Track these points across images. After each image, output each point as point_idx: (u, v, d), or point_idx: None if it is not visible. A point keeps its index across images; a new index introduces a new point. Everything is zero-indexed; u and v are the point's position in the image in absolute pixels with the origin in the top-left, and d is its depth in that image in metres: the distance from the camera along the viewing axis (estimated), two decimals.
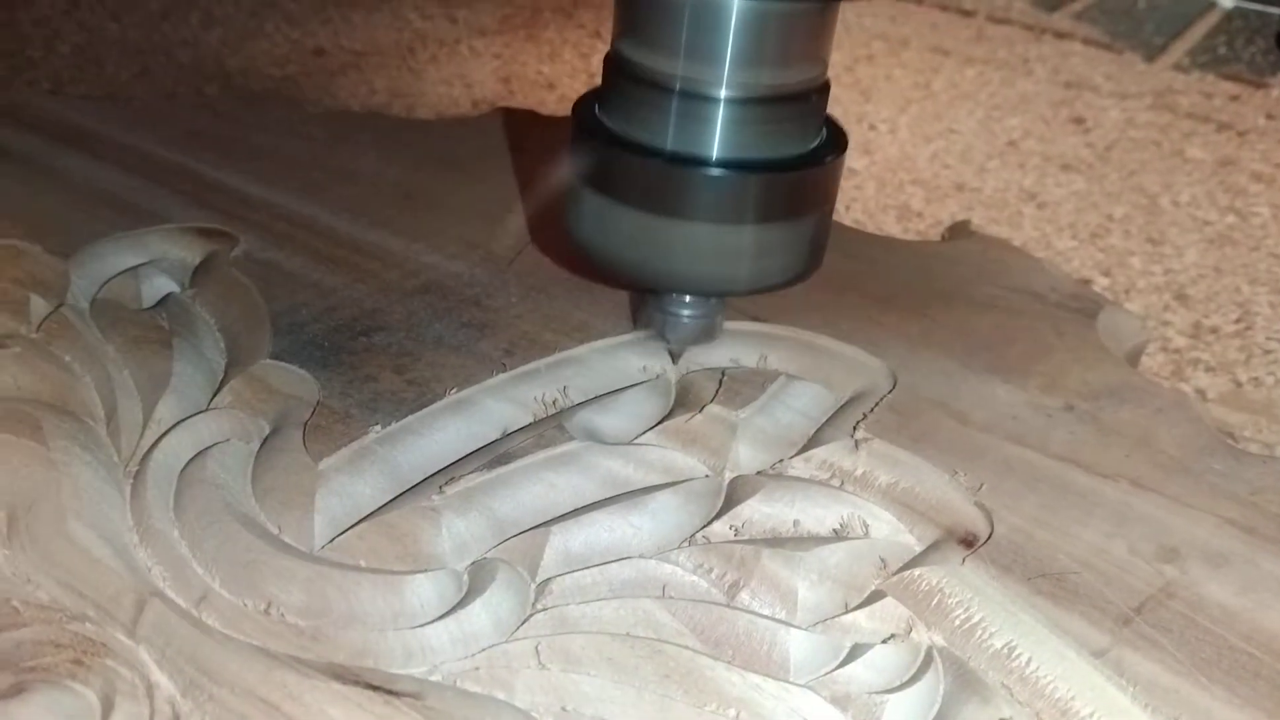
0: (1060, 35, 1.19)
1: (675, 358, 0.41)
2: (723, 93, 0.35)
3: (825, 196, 0.38)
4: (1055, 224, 0.74)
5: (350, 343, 0.41)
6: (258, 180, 0.53)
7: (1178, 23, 1.25)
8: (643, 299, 0.42)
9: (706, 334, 0.41)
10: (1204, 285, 0.67)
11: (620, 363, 0.42)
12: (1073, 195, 0.79)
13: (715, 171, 0.36)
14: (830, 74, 0.38)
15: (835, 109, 0.39)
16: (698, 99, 0.35)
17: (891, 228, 0.71)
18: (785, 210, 0.37)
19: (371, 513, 0.34)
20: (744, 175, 0.36)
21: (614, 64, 0.37)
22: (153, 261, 0.46)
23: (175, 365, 0.39)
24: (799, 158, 0.37)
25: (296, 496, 0.34)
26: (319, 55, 0.93)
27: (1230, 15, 1.28)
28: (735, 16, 0.34)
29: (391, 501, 0.34)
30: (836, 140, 0.39)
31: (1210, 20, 1.27)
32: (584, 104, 0.39)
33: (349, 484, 0.34)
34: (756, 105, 0.35)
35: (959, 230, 0.56)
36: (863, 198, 0.75)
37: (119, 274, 0.45)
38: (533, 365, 0.41)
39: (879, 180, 0.78)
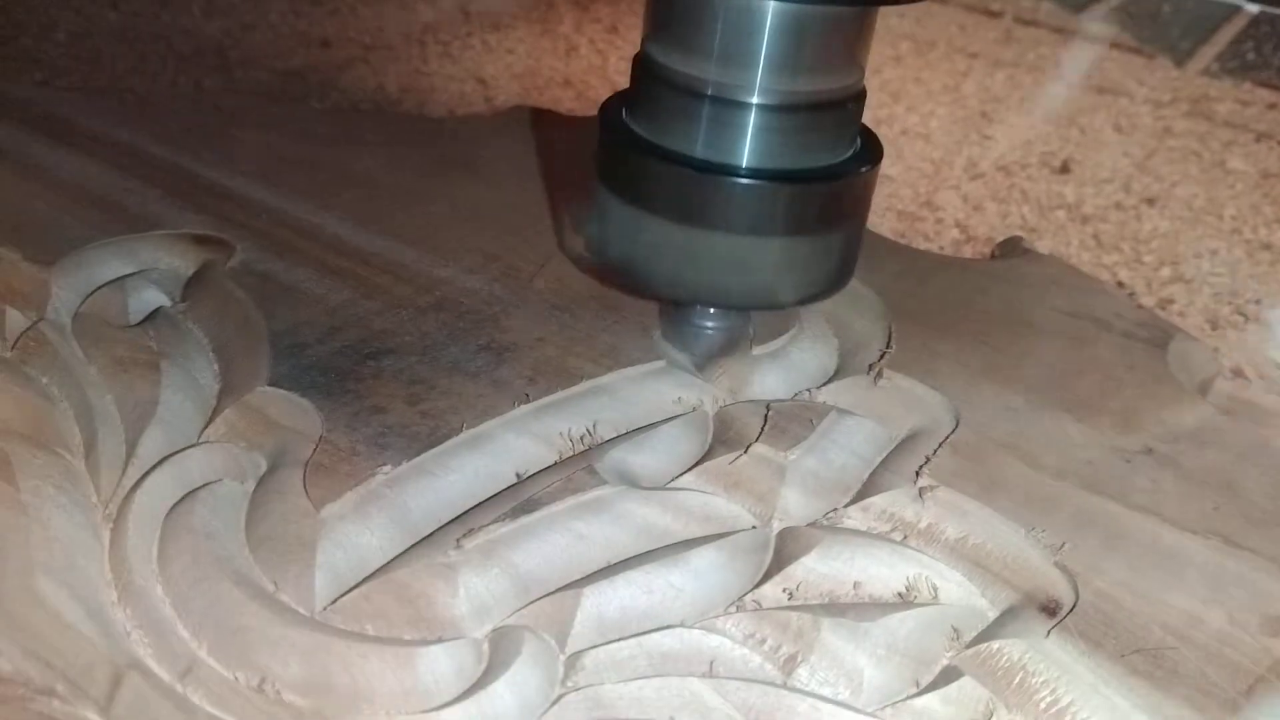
0: (1089, 39, 1.15)
1: (700, 371, 0.39)
2: (755, 99, 0.34)
3: (858, 209, 0.37)
4: (1099, 239, 0.70)
5: (357, 368, 0.37)
6: (258, 182, 0.49)
7: (1204, 26, 1.21)
8: (667, 309, 0.40)
9: (731, 348, 0.39)
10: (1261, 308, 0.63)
11: (652, 393, 0.38)
12: (1114, 208, 0.75)
13: (745, 181, 0.34)
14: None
15: (863, 110, 0.37)
16: (730, 105, 0.34)
17: (931, 239, 0.67)
18: (816, 223, 0.36)
19: (380, 568, 0.30)
20: (775, 185, 0.34)
21: (643, 67, 0.36)
22: (142, 271, 0.42)
23: (163, 392, 0.35)
24: (832, 168, 0.36)
25: (295, 548, 0.30)
26: (325, 47, 0.89)
27: (1257, 20, 1.24)
28: (770, 20, 0.33)
29: (402, 555, 0.30)
30: (871, 150, 0.37)
31: (1237, 24, 1.23)
32: (610, 107, 0.37)
33: (355, 534, 0.30)
34: (790, 113, 0.34)
35: (1012, 247, 0.52)
36: (898, 206, 0.71)
37: (105, 285, 0.41)
38: (558, 396, 0.37)
39: (914, 188, 0.74)
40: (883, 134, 0.82)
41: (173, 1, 0.95)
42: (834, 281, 0.38)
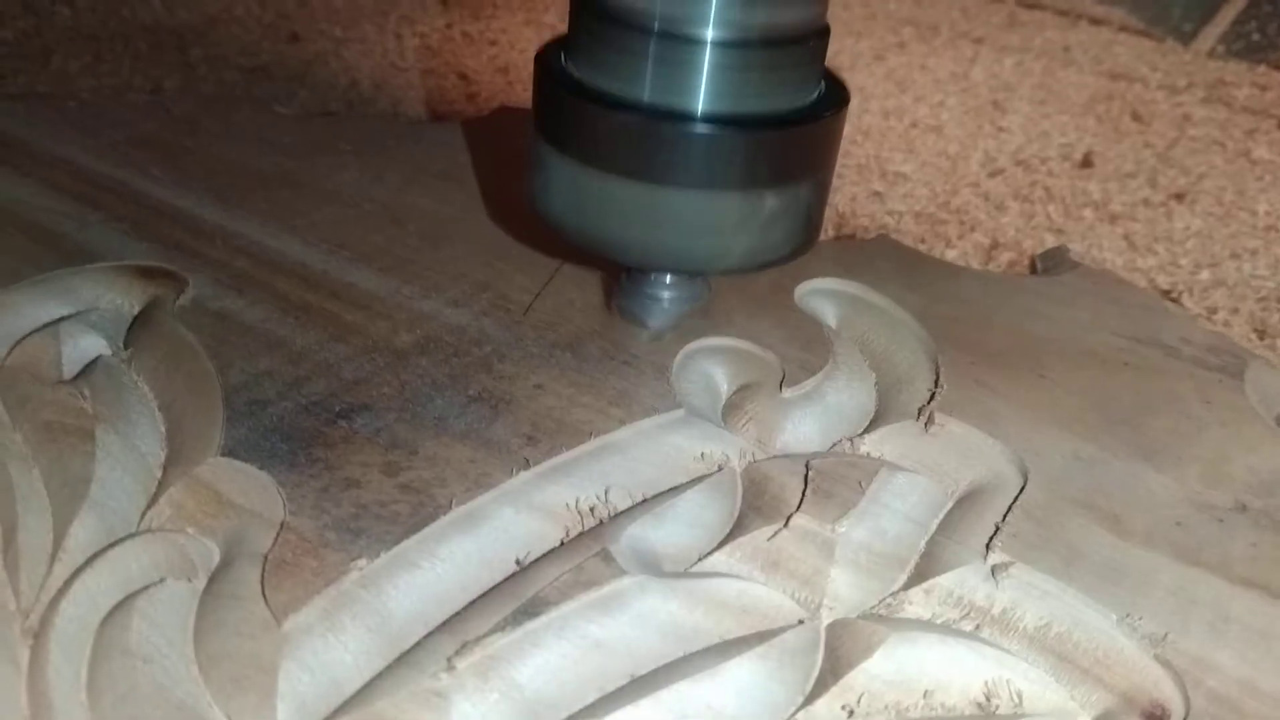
0: (1095, 21, 1.10)
1: (656, 338, 0.36)
2: (709, 34, 0.29)
3: (825, 159, 0.33)
4: (1131, 240, 0.65)
5: (326, 429, 0.32)
6: (215, 201, 0.43)
7: (1204, 6, 1.17)
8: (621, 277, 0.37)
9: (690, 317, 0.36)
10: None
11: (672, 449, 0.33)
12: (1142, 204, 0.70)
13: (700, 128, 0.30)
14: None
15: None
16: (680, 40, 0.30)
17: (955, 244, 0.62)
18: (781, 174, 0.31)
19: (355, 695, 0.24)
20: (733, 132, 0.30)
21: (581, 2, 0.31)
22: (79, 313, 0.36)
23: (98, 466, 0.30)
24: (797, 112, 0.31)
25: (253, 672, 0.25)
26: (294, 41, 0.83)
27: (1256, 0, 1.20)
28: None
29: (382, 675, 0.25)
30: (837, 93, 0.33)
31: (1236, 4, 1.19)
32: (549, 51, 0.33)
33: (324, 650, 0.25)
34: (749, 49, 0.30)
35: (1056, 259, 0.47)
36: (915, 207, 0.66)
37: (36, 330, 0.35)
38: (563, 458, 0.32)
39: (930, 186, 0.69)
40: (893, 127, 0.77)
41: None
42: (800, 243, 0.34)
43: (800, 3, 0.31)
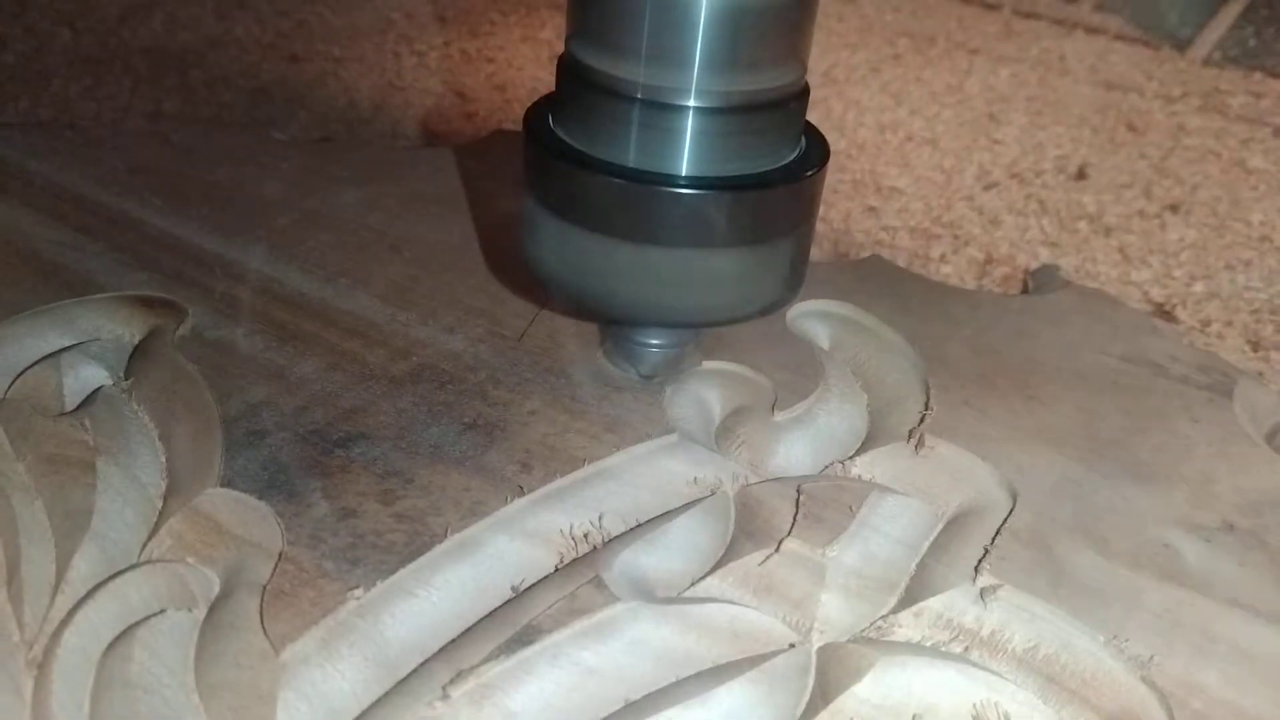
0: (1091, 30, 1.11)
1: (648, 378, 0.37)
2: (691, 101, 0.30)
3: (807, 214, 0.34)
4: (1125, 252, 0.65)
5: (324, 459, 0.32)
6: (214, 230, 0.44)
7: (1201, 11, 1.17)
8: (610, 326, 0.38)
9: (678, 363, 0.37)
10: None
11: (665, 474, 0.33)
12: (1137, 216, 0.71)
13: (685, 190, 0.31)
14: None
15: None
16: (663, 108, 0.30)
17: (949, 260, 0.62)
18: (762, 232, 0.32)
19: None
20: (716, 194, 0.31)
21: (568, 68, 0.32)
22: (80, 344, 0.37)
23: (99, 497, 0.30)
24: (777, 172, 0.32)
25: (252, 701, 0.25)
26: (293, 61, 0.83)
27: (1254, 3, 1.20)
28: (705, 12, 0.29)
29: (379, 703, 0.25)
30: (817, 151, 0.34)
31: (1234, 10, 1.20)
32: (536, 113, 0.34)
33: (322, 680, 0.26)
34: (729, 115, 0.31)
35: (1047, 277, 0.47)
36: (910, 222, 0.66)
37: (37, 361, 0.36)
38: (557, 484, 0.32)
39: (925, 201, 0.69)
40: (888, 141, 0.78)
41: (131, 16, 0.90)
42: (783, 294, 0.34)
43: (778, 69, 0.31)
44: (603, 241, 0.32)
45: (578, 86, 0.32)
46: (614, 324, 0.37)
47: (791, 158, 0.33)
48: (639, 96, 0.30)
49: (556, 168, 0.32)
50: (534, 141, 0.33)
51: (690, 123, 0.31)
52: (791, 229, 0.33)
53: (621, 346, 0.37)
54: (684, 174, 0.31)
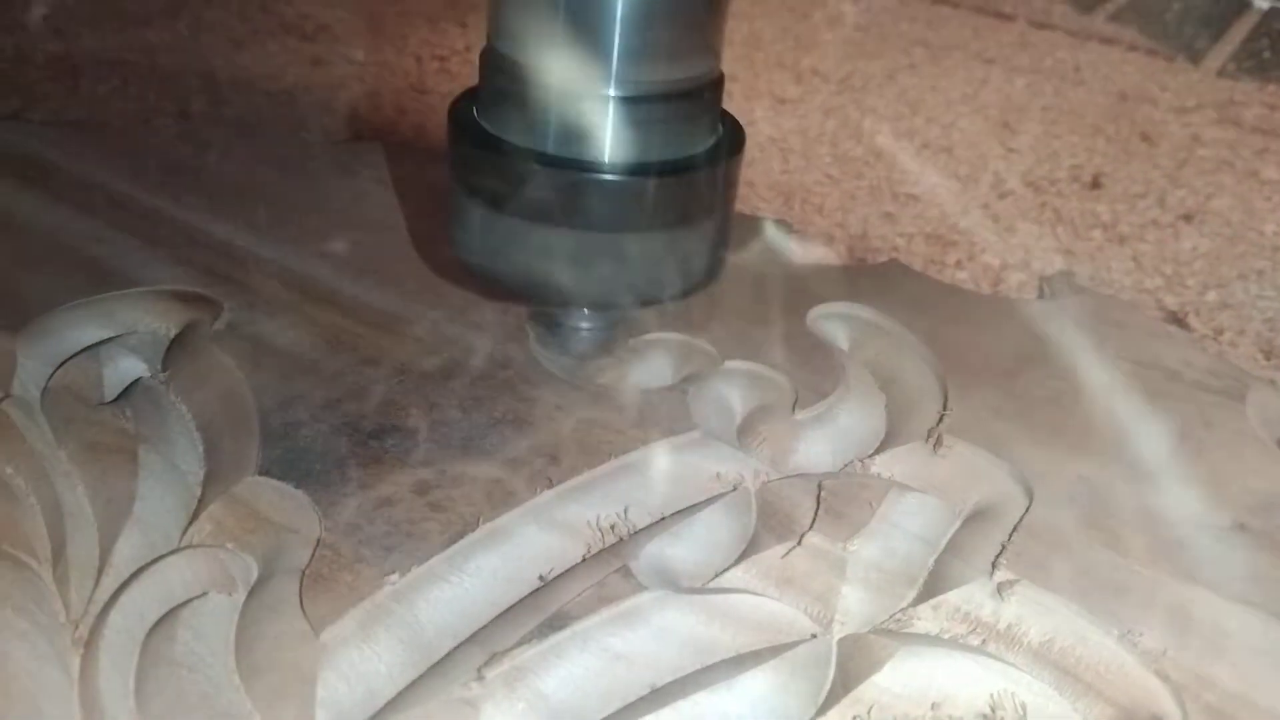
0: (1106, 40, 1.11)
1: (576, 370, 0.38)
2: (611, 91, 0.32)
3: (723, 199, 0.35)
4: (1139, 261, 0.66)
5: (358, 450, 0.33)
6: (246, 227, 0.45)
7: (1215, 24, 1.18)
8: (537, 313, 0.39)
9: (606, 345, 0.38)
10: None
11: (689, 469, 0.34)
12: (1151, 225, 0.71)
13: (605, 177, 0.32)
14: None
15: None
16: (582, 98, 0.32)
17: (965, 266, 0.63)
18: (681, 216, 0.34)
19: (390, 702, 0.26)
20: (635, 180, 0.32)
21: (490, 62, 0.34)
22: (119, 337, 0.38)
23: (141, 484, 0.31)
24: (694, 158, 0.34)
25: (292, 682, 0.26)
26: (318, 65, 0.85)
27: (1268, 15, 1.21)
28: (620, 6, 0.31)
29: (416, 684, 0.26)
30: (733, 138, 0.35)
31: (1249, 21, 1.20)
32: (460, 105, 0.35)
33: (360, 661, 0.26)
34: (646, 104, 0.32)
35: (1062, 284, 0.48)
36: (925, 229, 0.67)
37: (78, 353, 0.37)
38: (584, 477, 0.33)
39: (940, 208, 0.70)
40: (904, 149, 0.78)
41: (156, 20, 0.91)
42: (703, 276, 0.36)
43: (693, 59, 0.33)
44: (526, 226, 0.33)
45: (500, 79, 0.33)
46: (540, 310, 0.38)
47: (709, 144, 0.34)
48: (558, 87, 0.32)
49: (482, 157, 0.33)
50: (460, 132, 0.34)
51: (610, 111, 0.32)
52: (710, 212, 0.34)
53: (551, 332, 0.38)
54: (606, 160, 0.32)
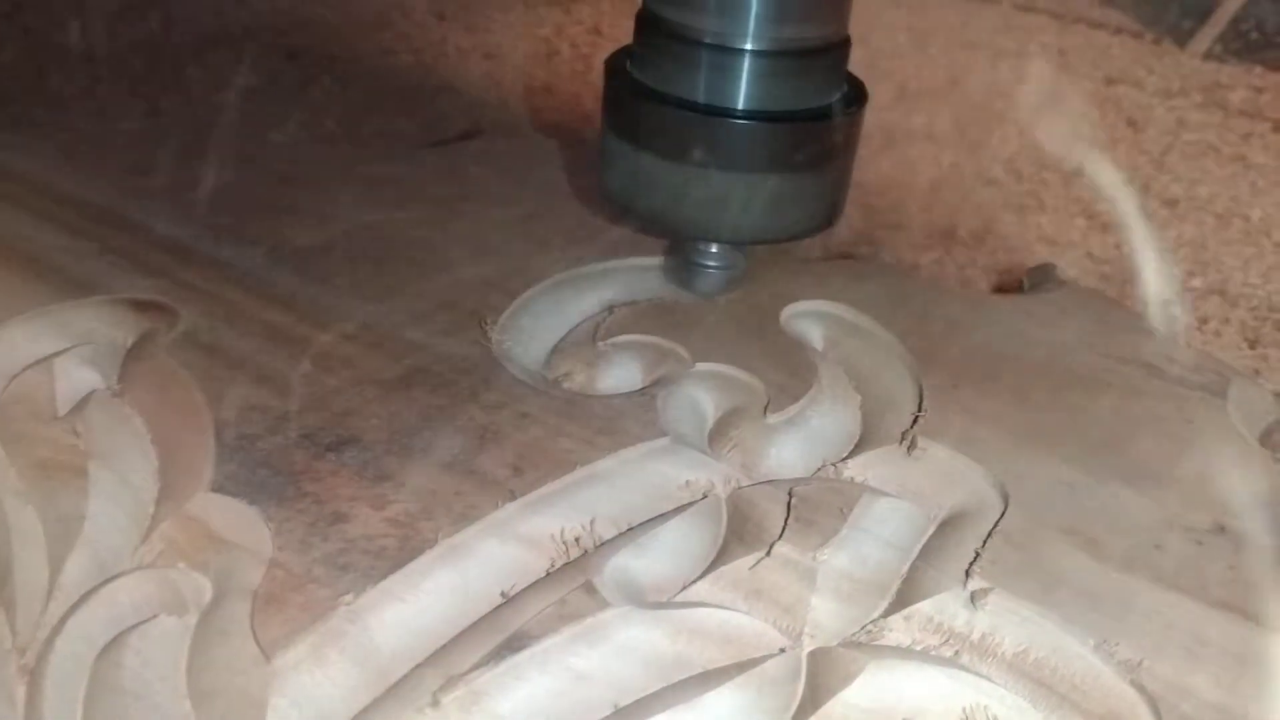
0: (1093, 24, 1.10)
1: (705, 296, 0.42)
2: (749, 45, 0.36)
3: (846, 148, 0.39)
4: (1123, 249, 0.65)
5: (315, 463, 0.32)
6: (208, 231, 0.44)
7: (1201, 5, 1.17)
8: (671, 249, 0.43)
9: (732, 283, 0.42)
10: None
11: (657, 477, 0.33)
12: (1136, 213, 0.71)
13: (740, 121, 0.37)
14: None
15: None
16: (725, 52, 0.36)
17: (946, 259, 0.62)
18: (807, 161, 0.38)
19: None
20: (768, 126, 0.37)
21: (645, 20, 0.38)
22: (73, 348, 0.37)
23: (91, 502, 0.31)
24: (819, 109, 0.38)
25: (243, 707, 0.25)
26: (290, 60, 0.83)
27: None
28: None
29: (369, 709, 0.25)
30: (857, 95, 0.40)
31: (1234, 3, 1.19)
32: (615, 59, 0.40)
33: (312, 686, 0.26)
34: (780, 59, 0.36)
35: (1043, 277, 0.47)
36: (908, 222, 0.66)
37: (30, 365, 0.36)
38: (548, 488, 0.32)
39: (924, 197, 0.69)
40: (885, 137, 0.77)
41: (129, 12, 0.90)
42: (824, 218, 0.40)
43: (822, 22, 0.37)
44: (671, 167, 0.37)
45: (654, 35, 0.37)
46: (675, 244, 0.43)
47: (835, 98, 0.38)
48: (705, 41, 0.36)
49: (634, 103, 0.38)
50: (614, 81, 0.39)
51: (747, 64, 0.36)
52: (831, 160, 0.38)
53: (682, 267, 0.42)
54: (740, 108, 0.36)
